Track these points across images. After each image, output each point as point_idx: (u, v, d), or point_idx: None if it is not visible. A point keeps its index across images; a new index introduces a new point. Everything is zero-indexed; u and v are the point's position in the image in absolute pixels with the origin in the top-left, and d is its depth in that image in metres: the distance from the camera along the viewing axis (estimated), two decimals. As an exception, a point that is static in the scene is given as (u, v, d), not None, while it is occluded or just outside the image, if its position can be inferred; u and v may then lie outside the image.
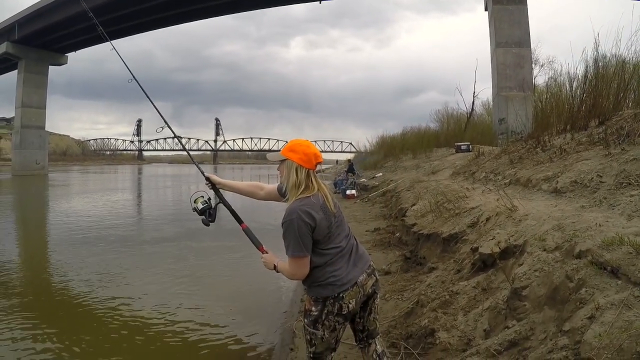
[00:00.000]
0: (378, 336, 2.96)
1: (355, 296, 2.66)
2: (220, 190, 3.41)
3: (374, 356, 2.90)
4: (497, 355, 3.03)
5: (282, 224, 2.59)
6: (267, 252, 2.95)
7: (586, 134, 6.98)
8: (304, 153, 2.64)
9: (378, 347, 2.93)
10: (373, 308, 2.86)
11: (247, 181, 3.52)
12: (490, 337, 3.35)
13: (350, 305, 2.64)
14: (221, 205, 3.27)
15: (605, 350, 2.28)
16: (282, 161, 2.73)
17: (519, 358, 2.87)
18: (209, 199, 3.24)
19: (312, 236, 2.55)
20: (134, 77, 3.97)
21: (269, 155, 2.90)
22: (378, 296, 2.87)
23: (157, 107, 4.01)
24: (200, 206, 3.19)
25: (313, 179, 2.67)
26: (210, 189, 3.41)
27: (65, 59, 55.44)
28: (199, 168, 3.60)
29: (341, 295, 2.61)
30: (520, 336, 3.06)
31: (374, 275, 2.80)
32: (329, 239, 2.63)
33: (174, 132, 3.97)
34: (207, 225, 3.20)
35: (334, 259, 2.63)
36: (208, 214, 3.17)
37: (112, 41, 4.17)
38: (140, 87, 3.93)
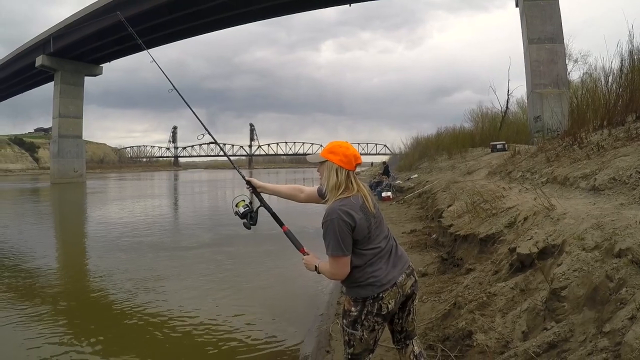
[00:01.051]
0: (415, 337, 2.97)
1: (395, 296, 2.67)
2: (261, 193, 3.43)
3: (412, 357, 2.90)
4: (536, 358, 2.99)
5: (323, 224, 2.62)
6: (308, 254, 2.99)
7: (623, 129, 6.81)
8: (344, 154, 2.66)
9: (415, 348, 2.94)
10: (412, 309, 2.87)
11: (286, 184, 3.54)
12: (529, 339, 3.31)
13: (389, 306, 2.65)
14: (262, 209, 3.29)
15: (646, 352, 2.24)
16: (322, 163, 2.75)
17: (559, 360, 2.83)
18: (250, 202, 3.26)
19: (352, 236, 2.57)
20: (174, 87, 4.05)
21: (309, 157, 2.93)
22: (416, 297, 2.88)
23: (197, 115, 4.07)
24: (241, 210, 3.21)
25: (353, 180, 2.69)
26: (251, 192, 3.43)
27: (100, 69, 56.95)
28: (240, 172, 3.65)
29: (381, 295, 2.63)
30: (559, 338, 3.02)
31: (413, 276, 2.81)
32: (369, 240, 2.64)
33: (214, 139, 4.00)
34: (249, 228, 3.22)
35: (373, 260, 2.65)
36: (249, 217, 3.19)
37: (143, 51, 4.26)
38: (181, 96, 4.01)
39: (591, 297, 3.05)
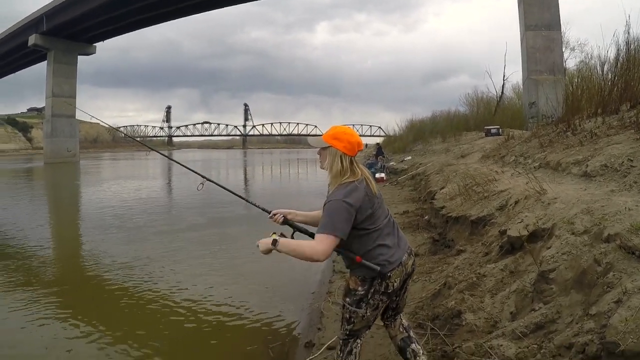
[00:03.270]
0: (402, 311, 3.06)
1: (400, 275, 2.72)
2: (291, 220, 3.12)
3: (401, 329, 2.99)
4: (523, 338, 3.06)
5: (324, 204, 2.62)
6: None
7: (617, 117, 6.86)
8: (348, 142, 2.67)
9: (403, 321, 3.04)
10: (407, 287, 2.95)
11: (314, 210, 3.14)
12: (517, 320, 3.38)
13: (395, 284, 2.70)
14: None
15: (631, 335, 2.29)
16: (325, 148, 2.75)
17: (545, 341, 2.89)
18: (281, 233, 2.77)
19: (352, 221, 2.56)
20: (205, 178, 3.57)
21: (311, 140, 2.92)
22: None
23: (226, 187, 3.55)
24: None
25: (356, 165, 2.72)
26: (280, 224, 3.09)
27: (94, 48, 56.46)
28: (263, 209, 3.23)
29: (389, 274, 2.66)
30: (547, 319, 3.08)
31: (412, 255, 2.86)
32: (373, 219, 2.66)
33: (214, 182, 3.53)
34: None
35: (380, 240, 2.68)
36: None
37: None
38: (217, 184, 3.54)
39: (579, 280, 3.11)
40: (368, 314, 2.73)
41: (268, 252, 2.68)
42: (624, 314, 2.44)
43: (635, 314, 2.39)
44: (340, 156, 2.67)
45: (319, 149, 2.80)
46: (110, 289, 6.52)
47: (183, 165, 3.95)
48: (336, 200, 2.55)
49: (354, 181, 2.63)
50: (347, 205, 2.53)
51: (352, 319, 2.76)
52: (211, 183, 3.53)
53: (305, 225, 3.06)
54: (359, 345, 2.86)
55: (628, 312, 2.42)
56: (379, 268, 2.61)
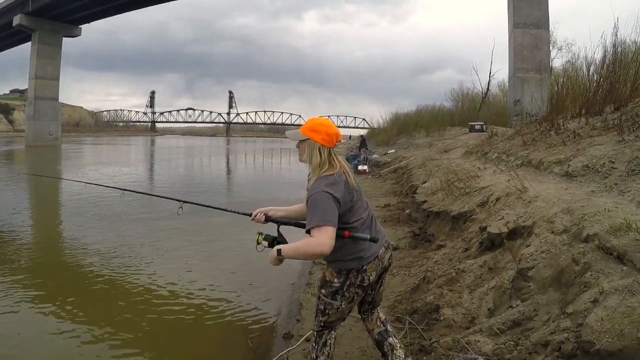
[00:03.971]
0: (379, 305, 3.08)
1: (376, 269, 2.73)
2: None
3: (378, 322, 3.01)
4: (500, 334, 3.09)
5: (307, 199, 2.61)
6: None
7: (601, 119, 6.91)
8: (326, 133, 2.66)
9: (381, 314, 3.06)
10: (383, 281, 2.96)
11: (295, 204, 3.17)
12: (494, 316, 3.41)
13: (371, 278, 2.71)
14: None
15: (606, 334, 2.32)
16: (303, 140, 2.73)
17: (522, 338, 2.92)
18: (267, 234, 2.89)
19: (337, 211, 2.55)
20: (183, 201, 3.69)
21: (288, 134, 2.87)
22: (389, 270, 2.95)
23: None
24: (266, 243, 2.87)
25: (334, 157, 2.70)
26: (264, 223, 3.08)
27: (79, 30, 55.34)
28: (243, 213, 3.26)
29: (365, 267, 2.68)
30: (524, 316, 3.12)
31: (390, 249, 2.87)
32: (351, 212, 2.66)
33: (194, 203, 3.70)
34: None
35: (360, 231, 2.66)
36: (276, 242, 2.84)
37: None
38: (196, 203, 3.67)
39: (557, 279, 3.14)
40: (343, 306, 2.75)
41: (278, 263, 2.66)
42: (600, 313, 2.46)
43: (611, 314, 2.42)
44: (319, 148, 2.65)
45: (297, 142, 2.78)
46: (87, 278, 6.40)
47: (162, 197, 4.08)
48: (319, 192, 2.54)
49: (334, 174, 2.61)
50: (330, 195, 2.52)
51: (327, 311, 2.78)
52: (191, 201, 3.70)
53: (287, 219, 3.02)
54: (332, 337, 2.89)
55: (604, 312, 2.45)
56: (369, 237, 2.60)
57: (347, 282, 2.69)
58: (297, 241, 2.61)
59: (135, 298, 5.66)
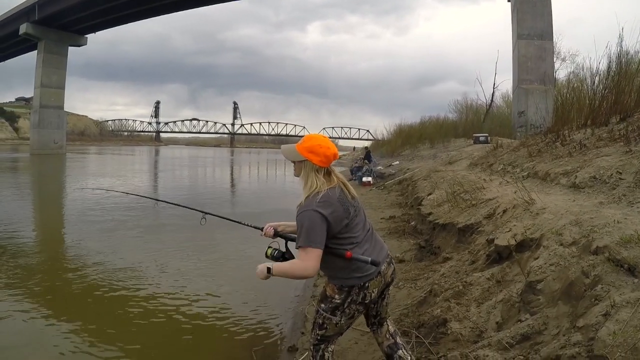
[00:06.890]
0: (389, 318, 3.04)
1: (378, 285, 2.70)
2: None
3: (387, 335, 2.96)
4: (509, 349, 3.03)
5: (297, 217, 2.58)
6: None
7: (607, 129, 6.89)
8: (324, 155, 2.62)
9: (390, 327, 3.00)
10: (387, 295, 2.91)
11: None
12: (503, 330, 3.35)
13: (372, 294, 2.68)
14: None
15: (618, 349, 2.27)
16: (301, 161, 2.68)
17: (531, 352, 2.87)
18: (277, 247, 2.95)
19: (327, 230, 2.52)
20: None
21: (284, 151, 2.78)
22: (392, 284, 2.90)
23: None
24: (275, 256, 2.90)
25: (331, 171, 2.69)
26: (272, 237, 3.10)
27: (85, 40, 55.90)
28: (255, 227, 3.30)
29: (366, 284, 2.64)
30: (533, 330, 3.06)
31: (392, 264, 2.83)
32: (348, 228, 2.62)
33: None
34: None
35: (357, 249, 2.62)
36: (283, 257, 2.88)
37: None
38: (219, 216, 3.63)
39: (566, 292, 3.09)
40: (342, 322, 2.72)
41: (265, 278, 2.66)
42: (612, 327, 2.42)
43: (623, 327, 2.37)
44: (316, 170, 2.63)
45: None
46: (90, 289, 6.34)
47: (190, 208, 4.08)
48: (309, 211, 2.52)
49: (327, 190, 2.58)
50: (319, 214, 2.49)
51: (325, 325, 2.75)
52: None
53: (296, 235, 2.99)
54: (330, 350, 2.85)
55: (616, 326, 2.40)
56: (369, 259, 2.56)
57: (349, 299, 2.66)
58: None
59: (136, 310, 5.60)
